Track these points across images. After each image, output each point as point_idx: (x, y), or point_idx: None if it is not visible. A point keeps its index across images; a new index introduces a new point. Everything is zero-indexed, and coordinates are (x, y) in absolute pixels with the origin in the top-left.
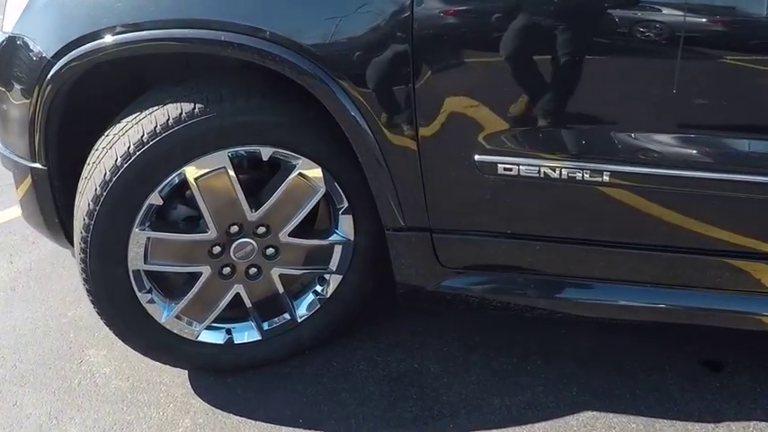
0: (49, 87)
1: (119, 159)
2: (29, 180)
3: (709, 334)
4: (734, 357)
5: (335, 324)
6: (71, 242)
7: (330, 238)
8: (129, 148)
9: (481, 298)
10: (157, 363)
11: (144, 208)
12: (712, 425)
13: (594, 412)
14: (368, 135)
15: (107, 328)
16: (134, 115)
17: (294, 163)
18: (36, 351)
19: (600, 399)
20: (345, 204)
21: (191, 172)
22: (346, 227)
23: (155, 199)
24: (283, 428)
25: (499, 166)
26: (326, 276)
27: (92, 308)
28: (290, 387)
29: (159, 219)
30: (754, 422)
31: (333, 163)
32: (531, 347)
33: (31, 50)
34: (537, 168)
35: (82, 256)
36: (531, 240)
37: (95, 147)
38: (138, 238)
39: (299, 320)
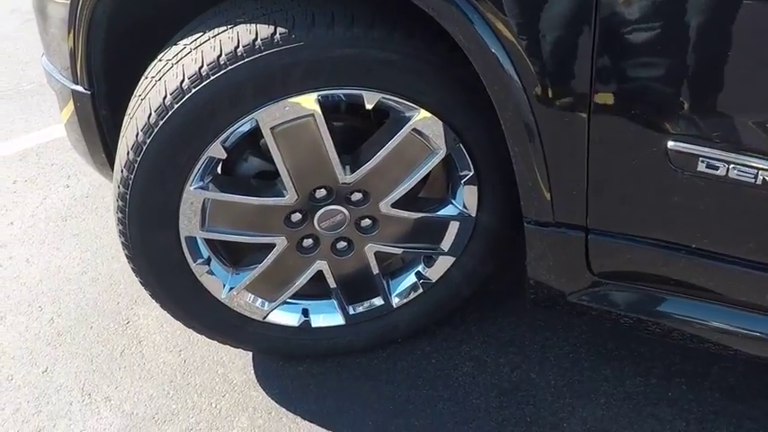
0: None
1: (168, 97)
2: (71, 104)
3: None
4: None
5: (438, 312)
6: None
7: (445, 212)
8: (182, 82)
9: (636, 319)
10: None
11: (201, 162)
12: None
13: None
14: (516, 87)
15: None
16: (193, 38)
17: (408, 115)
18: (78, 303)
19: None
20: (470, 173)
21: (266, 119)
22: (468, 200)
23: (216, 151)
24: None
25: (700, 161)
26: (434, 257)
27: None
28: (375, 388)
29: (222, 175)
30: None
31: (460, 119)
32: (673, 367)
33: None
34: (754, 172)
35: (120, 216)
36: (723, 262)
37: (145, 75)
38: (193, 198)
39: (395, 306)
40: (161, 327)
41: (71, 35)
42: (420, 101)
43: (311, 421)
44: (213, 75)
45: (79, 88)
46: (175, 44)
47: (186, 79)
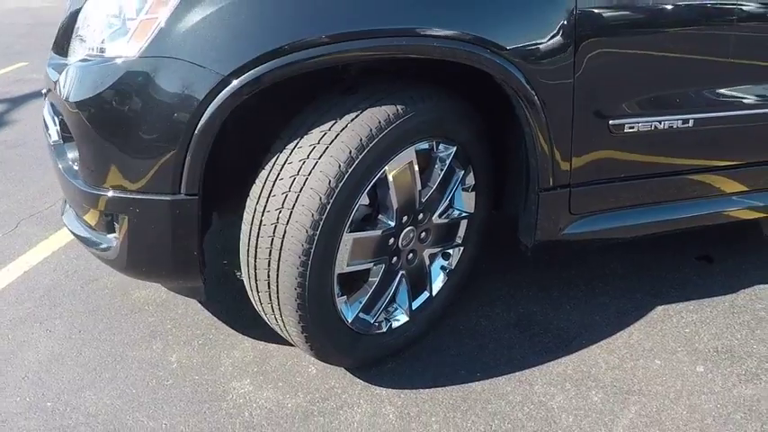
0: (213, 109)
1: (342, 165)
2: (162, 217)
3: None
4: (719, 252)
5: (455, 292)
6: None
7: (459, 214)
8: (350, 152)
9: (600, 239)
10: (303, 383)
11: (354, 209)
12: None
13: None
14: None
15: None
16: (345, 119)
17: (450, 151)
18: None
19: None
20: (473, 183)
21: (391, 169)
22: (467, 203)
23: (363, 199)
24: (474, 384)
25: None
26: (450, 251)
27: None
28: (438, 360)
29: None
30: (742, 290)
31: (472, 147)
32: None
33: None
34: (650, 124)
35: (299, 280)
36: (637, 180)
37: (279, 161)
38: (347, 240)
39: (434, 294)
40: (261, 390)
41: (178, 143)
42: (458, 139)
43: (425, 387)
44: (370, 142)
45: (181, 196)
46: (312, 129)
47: (353, 149)
